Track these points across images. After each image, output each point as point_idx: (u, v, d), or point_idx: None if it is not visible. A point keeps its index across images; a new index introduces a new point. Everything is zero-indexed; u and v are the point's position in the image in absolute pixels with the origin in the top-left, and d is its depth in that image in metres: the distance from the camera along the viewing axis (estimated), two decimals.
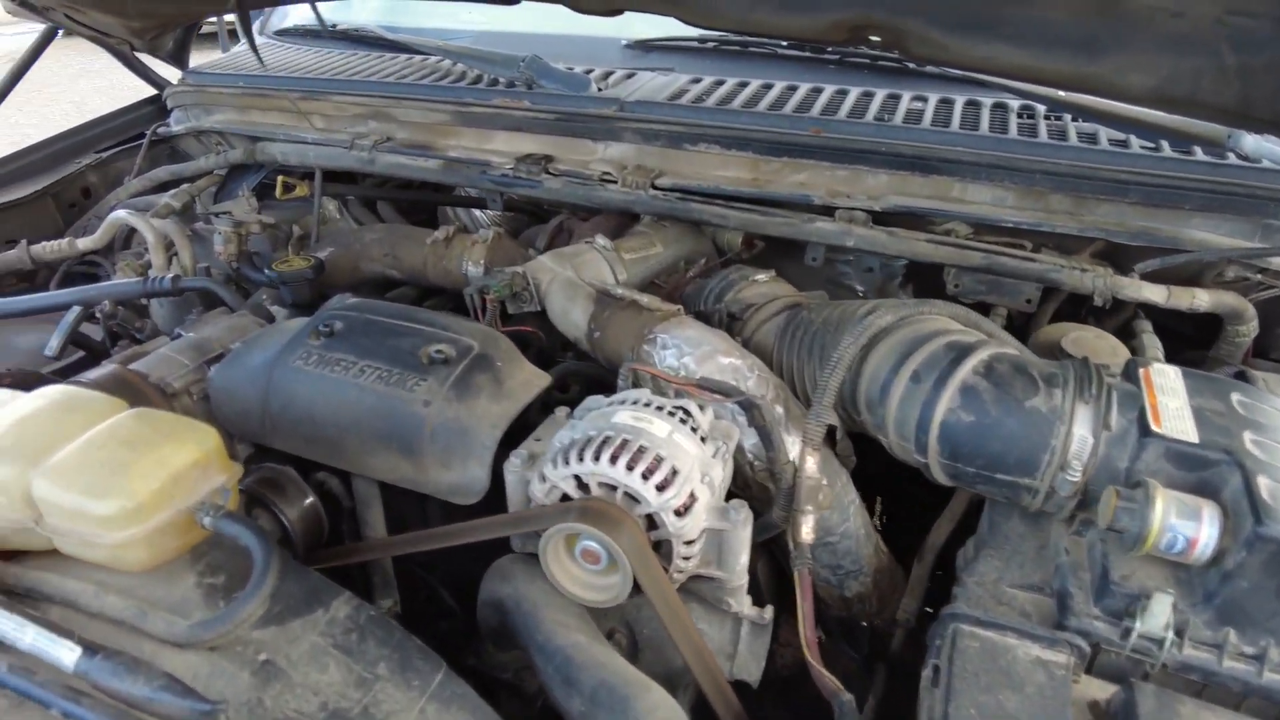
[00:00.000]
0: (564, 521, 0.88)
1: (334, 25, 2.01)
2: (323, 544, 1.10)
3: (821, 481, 1.00)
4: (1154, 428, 0.85)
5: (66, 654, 0.68)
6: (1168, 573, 0.83)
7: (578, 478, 0.91)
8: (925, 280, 1.51)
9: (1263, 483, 0.78)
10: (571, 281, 1.40)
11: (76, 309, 1.35)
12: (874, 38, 1.14)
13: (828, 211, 1.33)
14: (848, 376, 1.06)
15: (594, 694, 0.82)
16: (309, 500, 1.08)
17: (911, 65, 1.55)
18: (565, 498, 0.93)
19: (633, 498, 0.89)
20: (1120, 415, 0.87)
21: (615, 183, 1.43)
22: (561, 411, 1.09)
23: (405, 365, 1.07)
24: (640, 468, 0.88)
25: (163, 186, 1.91)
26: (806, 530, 1.00)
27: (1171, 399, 0.88)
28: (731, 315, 1.33)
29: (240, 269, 1.58)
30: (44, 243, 1.67)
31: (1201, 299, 1.22)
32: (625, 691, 0.81)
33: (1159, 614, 0.79)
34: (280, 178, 1.70)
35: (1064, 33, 1.00)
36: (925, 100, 1.45)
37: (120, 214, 1.65)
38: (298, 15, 2.20)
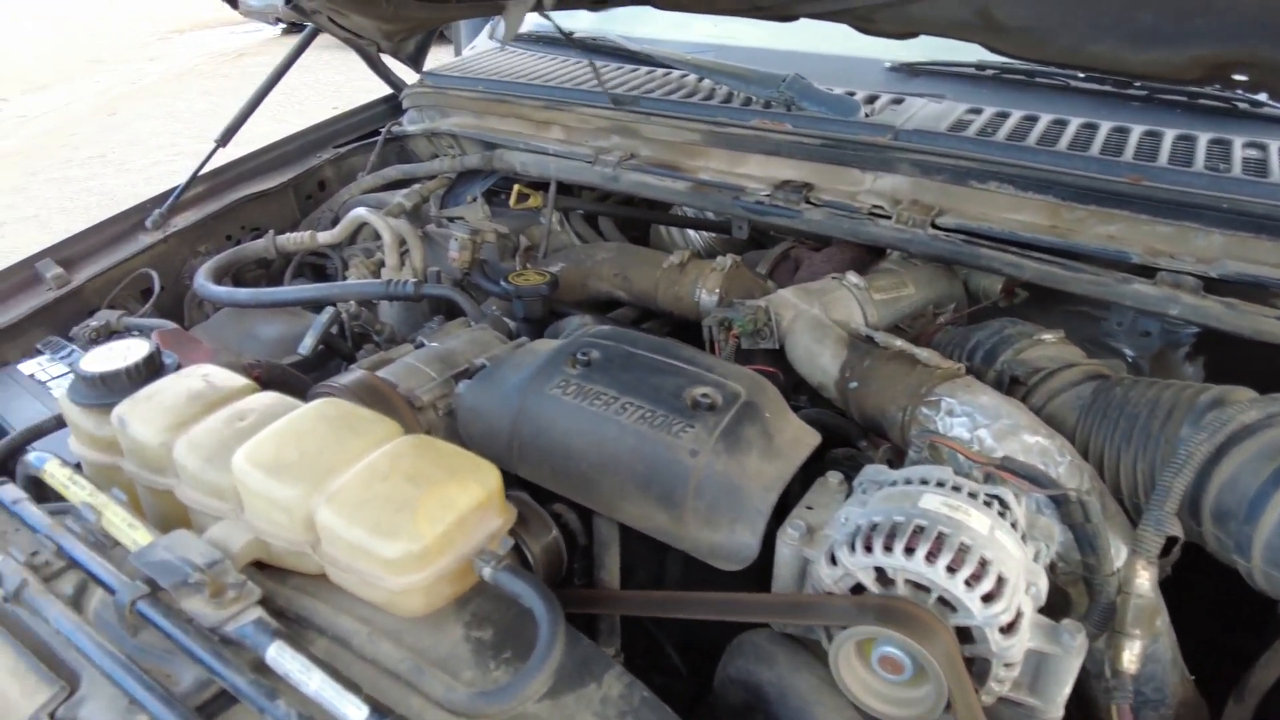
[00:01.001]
0: (866, 623, 0.76)
1: (571, 33, 1.99)
2: (559, 582, 1.03)
3: (1156, 602, 0.84)
4: None
5: (354, 711, 0.62)
6: None
7: (880, 570, 0.79)
8: (1224, 356, 1.29)
9: None
10: (820, 321, 1.28)
11: (330, 309, 1.36)
12: (1239, 76, 0.96)
13: (1145, 271, 1.14)
14: (1193, 484, 0.89)
15: None
16: (553, 534, 1.01)
17: (1241, 105, 1.33)
18: (857, 587, 0.81)
19: (947, 604, 0.76)
20: None
21: (888, 218, 1.29)
22: (834, 478, 0.97)
23: (669, 407, 0.98)
24: (965, 572, 0.74)
25: (393, 184, 1.95)
26: (1130, 658, 0.84)
27: None
28: (1014, 379, 1.17)
29: (472, 277, 1.56)
30: (288, 234, 1.72)
31: None
32: None
33: None
34: (516, 187, 1.68)
35: None
36: (1264, 148, 1.23)
37: (360, 212, 1.68)
38: (531, 20, 2.20)
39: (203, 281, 1.52)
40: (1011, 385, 1.17)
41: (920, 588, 0.77)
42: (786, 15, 1.21)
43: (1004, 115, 1.36)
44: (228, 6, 2.02)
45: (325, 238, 1.70)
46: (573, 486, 1.03)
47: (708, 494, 0.93)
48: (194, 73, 11.57)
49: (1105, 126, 1.31)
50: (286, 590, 0.78)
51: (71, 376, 1.39)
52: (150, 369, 1.01)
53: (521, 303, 1.43)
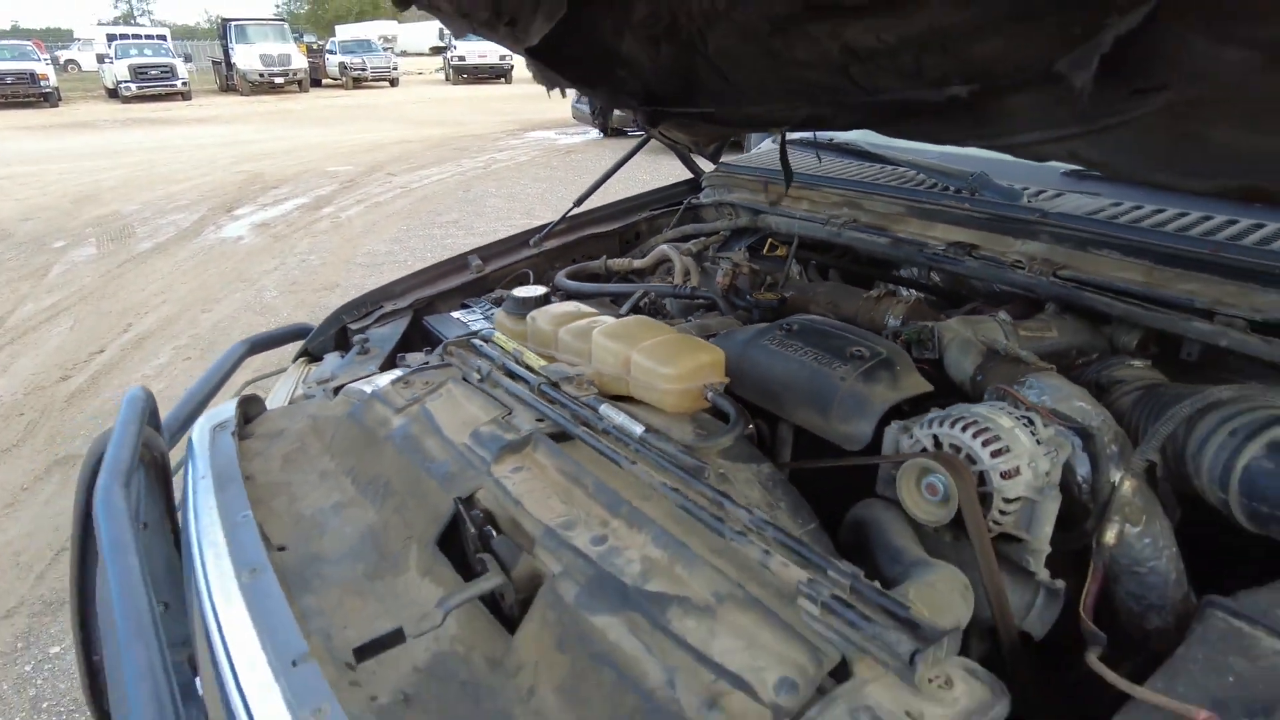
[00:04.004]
0: (921, 458, 1.30)
1: (830, 139, 2.70)
2: None
3: (1134, 501, 1.28)
4: None
5: (636, 427, 1.31)
6: None
7: (936, 438, 1.33)
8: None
9: None
10: (970, 340, 1.80)
11: (640, 289, 2.14)
12: (1260, 196, 1.40)
13: (1207, 315, 1.56)
14: (1185, 435, 1.32)
15: (910, 566, 1.22)
16: (750, 428, 1.64)
17: None
18: (923, 451, 1.36)
19: (973, 460, 1.29)
20: None
21: (1023, 268, 1.81)
22: (935, 412, 1.51)
23: (834, 355, 1.59)
24: (982, 439, 1.27)
25: (687, 237, 2.74)
26: (1110, 535, 1.28)
27: None
28: (1100, 386, 1.61)
29: (728, 295, 2.26)
30: (616, 259, 2.56)
31: None
32: (931, 563, 1.21)
33: None
34: (769, 240, 2.38)
35: None
36: None
37: (664, 248, 2.47)
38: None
39: (561, 278, 2.38)
40: (1098, 391, 1.61)
41: (957, 449, 1.30)
42: (998, 147, 1.79)
43: (1137, 207, 1.82)
44: (564, 113, 2.99)
45: (638, 263, 2.52)
46: (767, 399, 1.65)
47: (848, 404, 1.51)
48: (531, 163, 13.94)
49: (1194, 214, 1.73)
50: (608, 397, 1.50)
51: (481, 321, 2.28)
52: (545, 299, 1.82)
53: (758, 311, 2.11)
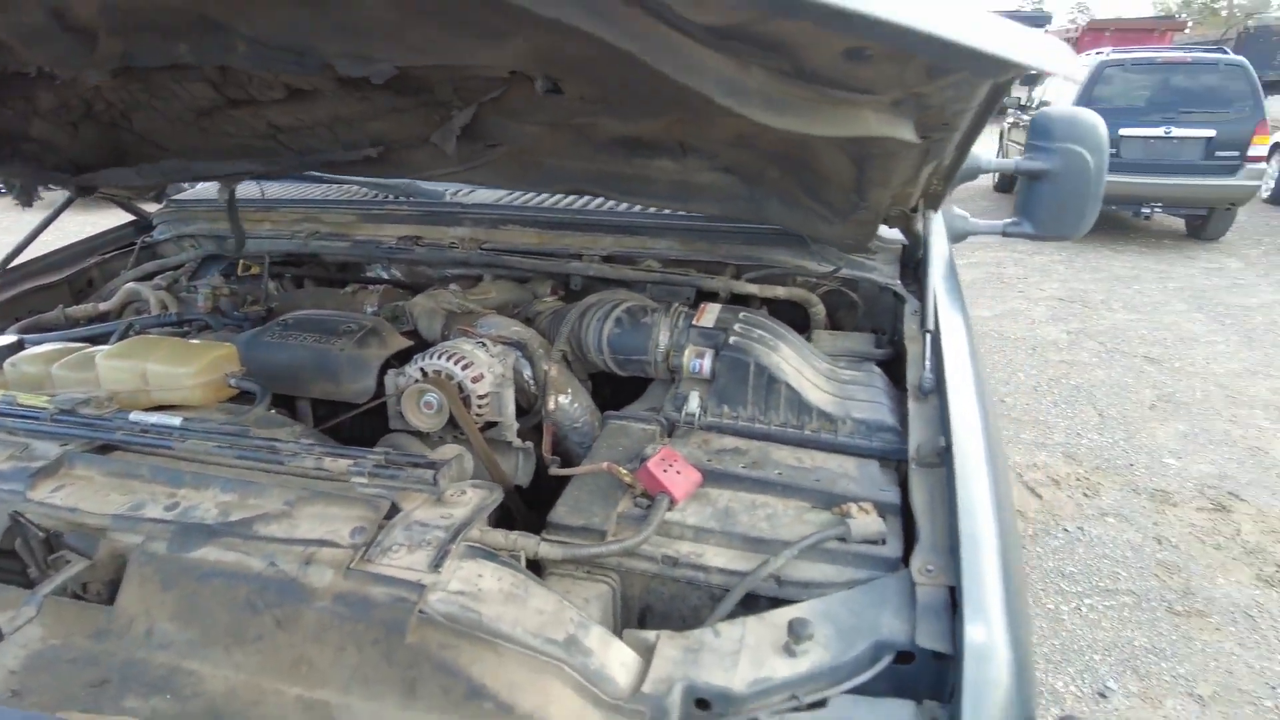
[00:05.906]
0: (416, 385, 1.75)
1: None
2: None
3: (560, 379, 1.92)
4: (695, 323, 1.81)
5: (174, 420, 1.50)
6: (701, 386, 1.76)
7: (423, 369, 1.79)
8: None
9: (732, 339, 1.75)
10: (434, 308, 2.31)
11: (123, 326, 2.17)
12: (578, 189, 2.16)
13: (577, 256, 2.31)
14: (577, 329, 2.00)
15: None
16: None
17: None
18: (416, 382, 1.81)
19: (451, 376, 1.78)
20: (683, 323, 1.84)
21: (458, 248, 2.38)
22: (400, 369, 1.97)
23: (330, 333, 1.95)
24: (454, 360, 1.77)
25: (149, 275, 2.75)
26: (552, 403, 1.90)
27: (709, 315, 1.85)
28: (528, 319, 2.26)
29: (214, 318, 2.42)
30: (75, 306, 2.48)
31: (780, 291, 2.22)
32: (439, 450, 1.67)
33: (693, 403, 1.71)
34: (241, 261, 2.58)
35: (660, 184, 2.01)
36: (620, 203, 2.50)
37: (131, 286, 2.48)
38: None
39: (19, 334, 2.25)
40: (527, 321, 2.26)
41: (439, 373, 1.78)
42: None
43: (523, 194, 2.53)
44: None
45: (105, 306, 2.47)
46: (281, 384, 1.92)
47: (350, 367, 1.88)
48: None
49: (559, 195, 2.53)
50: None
51: None
52: (19, 346, 1.81)
53: (248, 324, 2.33)
